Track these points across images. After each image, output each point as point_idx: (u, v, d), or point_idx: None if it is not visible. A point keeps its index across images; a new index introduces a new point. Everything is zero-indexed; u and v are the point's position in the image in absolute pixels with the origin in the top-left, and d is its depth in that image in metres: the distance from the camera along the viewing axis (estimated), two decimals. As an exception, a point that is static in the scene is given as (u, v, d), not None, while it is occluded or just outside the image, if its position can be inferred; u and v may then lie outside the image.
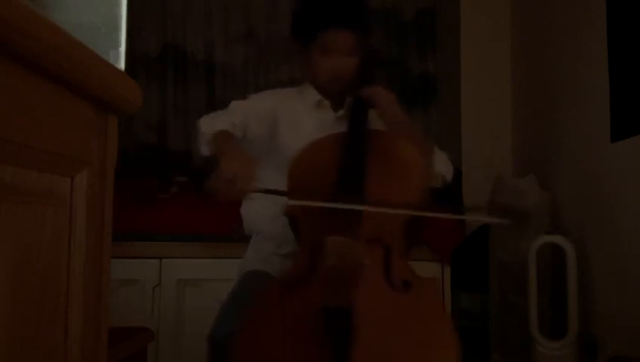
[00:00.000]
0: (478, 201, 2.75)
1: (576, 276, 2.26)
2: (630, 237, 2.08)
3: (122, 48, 3.32)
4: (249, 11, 3.55)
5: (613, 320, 2.18)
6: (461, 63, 3.18)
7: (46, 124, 0.68)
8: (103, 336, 0.82)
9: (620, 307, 2.14)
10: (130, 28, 3.36)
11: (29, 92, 0.65)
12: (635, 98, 2.05)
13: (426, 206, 1.45)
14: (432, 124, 3.51)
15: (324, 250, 1.27)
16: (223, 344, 1.31)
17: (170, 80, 3.47)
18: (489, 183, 2.69)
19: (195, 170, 1.41)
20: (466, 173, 3.08)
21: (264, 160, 1.63)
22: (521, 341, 2.42)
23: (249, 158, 1.33)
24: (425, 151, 1.53)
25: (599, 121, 2.26)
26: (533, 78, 2.98)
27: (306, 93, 1.69)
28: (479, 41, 3.19)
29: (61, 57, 0.66)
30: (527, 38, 3.06)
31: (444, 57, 3.52)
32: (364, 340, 1.16)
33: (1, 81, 0.59)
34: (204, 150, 1.49)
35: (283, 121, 1.64)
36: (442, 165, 1.57)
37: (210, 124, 1.51)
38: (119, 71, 0.84)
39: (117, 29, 3.31)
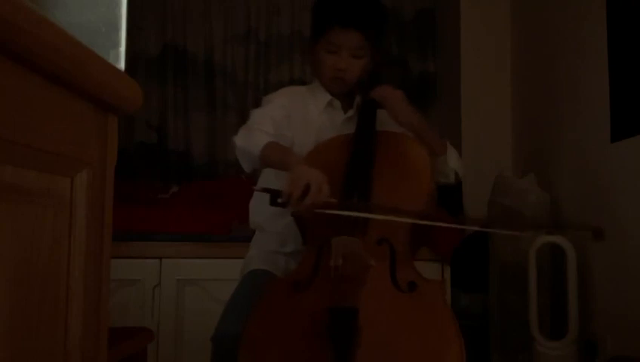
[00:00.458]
0: (478, 201, 2.74)
1: (576, 276, 2.26)
2: (630, 237, 2.08)
3: (122, 48, 3.32)
4: (249, 11, 3.55)
5: (613, 320, 2.18)
6: (461, 63, 3.18)
7: (46, 124, 0.68)
8: (102, 336, 0.82)
9: (620, 307, 2.14)
10: (130, 28, 3.36)
11: (29, 92, 0.65)
12: (635, 98, 2.05)
13: (433, 213, 1.44)
14: (432, 124, 3.51)
15: (330, 251, 1.27)
16: (227, 344, 1.31)
17: (170, 80, 3.47)
18: (489, 183, 2.69)
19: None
20: (466, 173, 3.07)
21: None
22: (521, 341, 2.42)
23: (318, 170, 1.31)
24: (435, 150, 1.53)
25: (599, 121, 2.26)
26: (533, 78, 2.98)
27: (317, 92, 1.69)
28: (479, 41, 3.19)
29: (61, 57, 0.66)
30: (527, 38, 3.06)
31: (444, 57, 3.52)
32: (369, 341, 1.16)
33: (1, 81, 0.59)
34: (252, 165, 1.49)
35: (295, 119, 1.64)
36: (455, 161, 1.58)
37: (251, 140, 1.47)
38: (119, 71, 0.84)
39: (117, 29, 3.31)
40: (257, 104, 1.78)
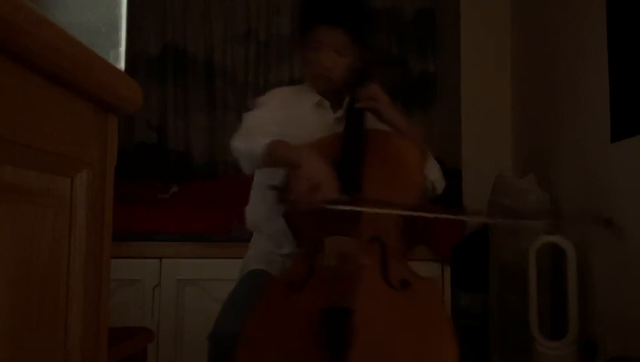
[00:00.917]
0: (478, 201, 2.75)
1: (576, 276, 2.26)
2: (630, 237, 2.08)
3: (122, 48, 3.32)
4: (249, 11, 3.55)
5: (613, 320, 2.18)
6: (461, 63, 3.18)
7: (46, 124, 0.68)
8: (102, 336, 0.82)
9: (620, 307, 2.14)
10: (130, 28, 3.36)
11: (29, 92, 0.65)
12: (635, 98, 2.06)
13: (423, 206, 1.45)
14: (432, 124, 3.51)
15: (322, 251, 1.27)
16: (224, 343, 1.31)
17: (170, 80, 3.47)
18: (489, 183, 2.69)
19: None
20: (466, 173, 3.08)
21: None
22: (521, 341, 2.42)
23: (327, 165, 1.31)
24: (422, 150, 1.53)
25: (599, 121, 2.26)
26: (533, 78, 2.98)
27: (306, 92, 1.69)
28: (479, 41, 3.19)
29: (61, 57, 0.66)
30: (527, 38, 3.06)
31: (444, 57, 3.52)
32: (363, 340, 1.16)
33: (1, 81, 0.59)
34: (253, 166, 1.48)
35: (287, 119, 1.64)
36: (435, 173, 1.58)
37: (251, 141, 1.45)
38: (119, 71, 0.84)
39: (117, 29, 3.31)
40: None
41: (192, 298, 2.39)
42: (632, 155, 2.08)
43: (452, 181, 1.65)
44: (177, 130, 3.45)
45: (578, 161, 2.47)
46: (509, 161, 3.11)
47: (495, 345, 2.63)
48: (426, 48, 3.56)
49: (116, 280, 2.24)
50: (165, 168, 3.42)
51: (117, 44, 3.31)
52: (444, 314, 1.27)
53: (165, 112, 3.45)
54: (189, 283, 2.40)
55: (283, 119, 1.61)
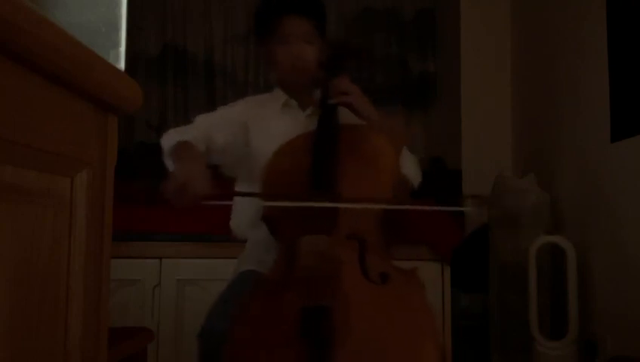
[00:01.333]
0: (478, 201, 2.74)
1: (576, 276, 2.26)
2: (630, 237, 2.08)
3: (122, 48, 3.32)
4: (249, 11, 3.55)
5: (613, 320, 2.18)
6: (461, 63, 3.18)
7: (46, 124, 0.68)
8: (102, 336, 0.82)
9: (620, 307, 2.14)
10: (130, 28, 3.37)
11: (29, 92, 0.65)
12: (635, 98, 2.06)
13: (399, 199, 1.44)
14: (432, 124, 3.51)
15: (299, 251, 1.27)
16: (212, 342, 1.32)
17: (170, 80, 3.47)
18: (489, 183, 2.69)
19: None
20: (466, 173, 3.08)
21: (239, 169, 1.67)
22: (521, 341, 2.42)
23: (201, 164, 1.37)
24: (396, 144, 1.52)
25: (599, 121, 2.26)
26: (533, 78, 2.98)
27: (273, 95, 1.71)
28: (479, 41, 3.19)
29: (61, 57, 0.66)
30: (527, 38, 3.06)
31: (444, 57, 3.52)
32: (346, 337, 1.16)
33: (1, 81, 0.59)
34: (169, 164, 1.52)
35: (254, 128, 1.67)
36: (410, 167, 1.57)
37: (170, 139, 1.54)
38: (119, 71, 0.84)
39: (117, 29, 3.31)
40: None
41: (192, 298, 2.39)
42: (632, 155, 2.08)
43: (452, 181, 1.65)
44: (177, 130, 3.45)
45: (578, 161, 2.47)
46: (509, 161, 3.11)
47: (495, 345, 2.63)
48: (426, 48, 3.55)
49: (116, 280, 2.24)
50: (165, 168, 3.41)
51: (117, 44, 3.32)
52: (426, 304, 1.27)
53: (165, 112, 3.45)
54: (189, 283, 2.40)
55: (247, 120, 1.65)
